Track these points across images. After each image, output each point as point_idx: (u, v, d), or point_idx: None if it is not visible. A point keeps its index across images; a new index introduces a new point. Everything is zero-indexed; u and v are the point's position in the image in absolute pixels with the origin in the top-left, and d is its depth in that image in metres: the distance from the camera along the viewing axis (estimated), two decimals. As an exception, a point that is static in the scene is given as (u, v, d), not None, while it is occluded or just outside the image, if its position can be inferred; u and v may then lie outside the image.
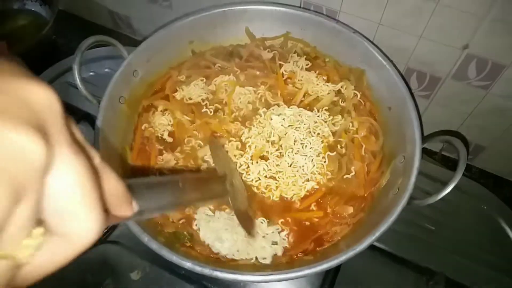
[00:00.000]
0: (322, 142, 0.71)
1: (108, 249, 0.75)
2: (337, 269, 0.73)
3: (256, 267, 0.62)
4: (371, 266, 0.75)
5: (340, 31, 0.75)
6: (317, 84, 0.76)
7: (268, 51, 0.79)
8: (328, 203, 0.67)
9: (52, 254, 0.22)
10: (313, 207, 0.68)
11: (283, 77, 0.78)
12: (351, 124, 0.74)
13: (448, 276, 0.72)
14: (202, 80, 0.77)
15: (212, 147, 0.69)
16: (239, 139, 0.72)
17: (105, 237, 0.76)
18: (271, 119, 0.72)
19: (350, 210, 0.66)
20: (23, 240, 0.20)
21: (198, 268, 0.54)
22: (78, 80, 0.64)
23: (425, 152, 0.92)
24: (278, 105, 0.74)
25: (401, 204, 0.58)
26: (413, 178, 0.60)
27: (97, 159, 0.25)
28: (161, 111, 0.75)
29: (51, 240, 0.22)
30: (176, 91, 0.77)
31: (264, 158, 0.71)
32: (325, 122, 0.73)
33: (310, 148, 0.70)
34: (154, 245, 0.55)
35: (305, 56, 0.79)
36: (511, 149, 0.83)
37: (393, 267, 0.75)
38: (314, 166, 0.69)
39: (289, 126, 0.72)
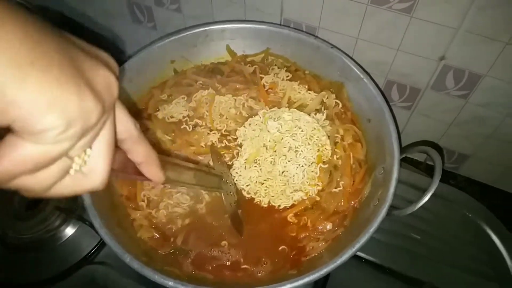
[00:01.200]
0: (318, 151, 0.71)
1: (95, 270, 0.75)
2: (325, 281, 0.73)
3: (242, 283, 0.62)
4: (359, 278, 0.75)
5: (318, 46, 0.76)
6: (299, 92, 0.77)
7: (249, 66, 0.80)
8: (309, 217, 0.68)
9: (74, 181, 0.30)
10: (290, 218, 0.68)
11: (264, 88, 0.78)
12: (337, 131, 0.74)
13: (436, 286, 0.72)
14: (183, 98, 0.77)
15: (213, 153, 0.71)
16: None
17: (92, 258, 0.76)
18: (268, 124, 0.72)
19: (329, 226, 0.66)
20: (80, 155, 0.29)
21: (180, 287, 0.54)
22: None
23: (410, 162, 0.93)
24: (278, 107, 0.75)
25: (380, 215, 0.58)
26: (391, 189, 0.60)
27: (136, 130, 0.36)
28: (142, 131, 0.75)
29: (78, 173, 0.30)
30: (158, 110, 0.77)
31: (256, 162, 0.71)
32: (323, 128, 0.73)
33: (304, 157, 0.70)
34: (136, 265, 0.55)
35: (285, 68, 0.80)
36: (495, 156, 0.84)
37: (381, 278, 0.75)
38: (304, 176, 0.69)
39: (286, 131, 0.71)
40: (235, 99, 0.76)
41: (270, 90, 0.78)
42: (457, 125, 0.81)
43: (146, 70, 0.78)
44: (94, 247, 0.76)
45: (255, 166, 0.71)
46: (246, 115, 0.75)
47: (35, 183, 0.27)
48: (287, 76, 0.79)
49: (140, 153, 0.38)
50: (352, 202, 0.69)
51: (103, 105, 0.27)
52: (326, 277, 0.74)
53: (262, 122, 0.73)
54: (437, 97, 0.77)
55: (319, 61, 0.78)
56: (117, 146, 0.35)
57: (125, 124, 0.34)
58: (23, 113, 0.23)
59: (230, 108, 0.75)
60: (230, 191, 0.69)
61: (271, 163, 0.70)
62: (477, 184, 0.91)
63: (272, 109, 0.74)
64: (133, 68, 0.75)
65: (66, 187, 0.30)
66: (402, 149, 0.65)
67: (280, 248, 0.66)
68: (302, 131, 0.71)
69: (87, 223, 0.75)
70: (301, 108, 0.76)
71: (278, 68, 0.80)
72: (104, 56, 0.30)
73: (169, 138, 0.74)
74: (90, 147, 0.29)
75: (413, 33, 0.69)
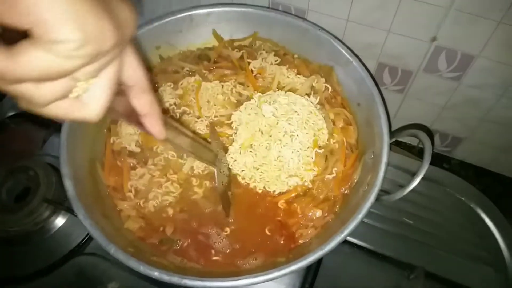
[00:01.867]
0: (314, 135, 0.70)
1: (85, 260, 0.74)
2: (316, 268, 0.73)
3: (231, 272, 0.62)
4: (351, 264, 0.75)
5: (306, 29, 0.74)
6: (288, 77, 0.75)
7: (237, 51, 0.78)
8: (298, 204, 0.67)
9: (71, 105, 0.31)
10: (281, 205, 0.68)
11: (252, 73, 0.77)
12: (327, 115, 0.73)
13: (428, 270, 0.72)
14: (169, 86, 0.76)
15: (212, 131, 0.71)
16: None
17: (82, 249, 0.75)
18: (263, 108, 0.70)
19: (319, 213, 0.66)
20: (84, 80, 0.30)
21: (166, 277, 0.53)
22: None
23: (403, 146, 0.92)
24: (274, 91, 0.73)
25: (369, 201, 0.57)
26: (381, 174, 0.59)
27: (145, 79, 0.37)
28: None
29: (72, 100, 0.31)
30: None
31: (252, 147, 0.70)
32: (319, 112, 0.71)
33: (299, 142, 0.68)
34: (121, 256, 0.54)
35: (273, 52, 0.78)
36: (489, 139, 0.83)
37: (374, 263, 0.75)
38: (300, 161, 0.68)
39: (281, 115, 0.70)
40: (223, 85, 0.74)
41: (258, 75, 0.76)
42: (450, 107, 0.80)
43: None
44: (84, 238, 0.75)
45: (250, 151, 0.69)
46: (235, 101, 0.73)
47: (36, 93, 0.28)
48: (276, 61, 0.77)
49: (146, 103, 0.39)
50: (343, 188, 0.68)
51: (120, 34, 0.28)
52: (318, 263, 0.73)
53: (257, 106, 0.71)
54: (430, 80, 0.76)
55: (307, 44, 0.76)
56: (124, 93, 0.37)
57: (136, 70, 0.36)
58: (45, 18, 0.24)
59: (217, 94, 0.73)
60: (223, 170, 0.69)
61: (266, 148, 0.69)
62: (471, 167, 0.91)
63: (268, 93, 0.73)
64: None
65: (62, 109, 0.31)
66: (392, 133, 0.64)
67: (269, 235, 0.66)
68: (298, 115, 0.70)
69: (75, 214, 0.74)
70: (292, 91, 0.74)
71: (266, 52, 0.78)
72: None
73: None
74: (95, 77, 0.31)
75: (404, 13, 0.67)
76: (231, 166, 0.70)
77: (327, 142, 0.71)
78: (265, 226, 0.67)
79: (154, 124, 0.41)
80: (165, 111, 0.74)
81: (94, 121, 0.33)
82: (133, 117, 0.40)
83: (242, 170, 0.70)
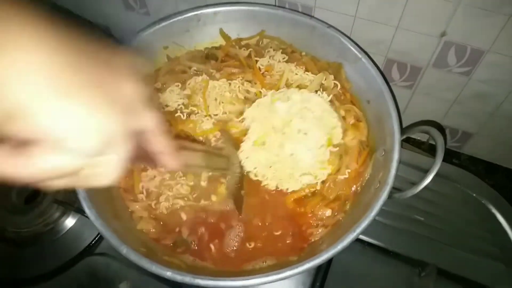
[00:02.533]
0: (328, 133, 0.69)
1: (96, 261, 0.74)
2: (328, 266, 0.73)
3: (244, 272, 0.62)
4: (362, 262, 0.74)
5: (314, 26, 0.74)
6: (297, 74, 0.75)
7: (244, 50, 0.78)
8: (308, 204, 0.66)
9: (84, 178, 0.31)
10: (290, 204, 0.68)
11: (260, 71, 0.76)
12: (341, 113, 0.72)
13: (440, 267, 0.71)
14: (177, 86, 0.75)
15: (224, 134, 0.71)
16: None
17: (92, 250, 0.75)
18: (276, 105, 0.70)
19: (328, 212, 0.65)
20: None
21: (178, 277, 0.53)
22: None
23: (413, 142, 0.91)
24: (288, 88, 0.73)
25: (381, 198, 0.57)
26: (393, 171, 0.59)
27: (157, 123, 0.36)
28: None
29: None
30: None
31: (265, 145, 0.69)
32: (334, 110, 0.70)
33: (313, 140, 0.68)
34: (133, 256, 0.54)
35: (281, 50, 0.78)
36: (499, 134, 0.82)
37: (385, 261, 0.74)
38: (314, 159, 0.68)
39: (295, 113, 0.69)
40: (230, 83, 0.74)
41: (266, 73, 0.76)
42: (460, 103, 0.79)
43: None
44: (94, 239, 0.76)
45: (263, 149, 0.69)
46: (243, 97, 0.73)
47: (50, 184, 0.29)
48: (283, 58, 0.76)
49: (159, 144, 0.38)
50: (354, 187, 0.67)
51: (127, 120, 0.30)
52: (329, 262, 0.73)
53: (270, 103, 0.71)
54: (439, 75, 0.75)
55: (315, 42, 0.76)
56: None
57: (146, 118, 0.35)
58: (54, 135, 0.26)
59: (224, 92, 0.73)
60: (236, 171, 0.68)
61: (279, 145, 0.68)
62: (481, 163, 0.90)
63: (281, 90, 0.72)
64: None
65: (74, 183, 0.31)
66: (403, 130, 0.63)
67: (279, 235, 0.65)
68: (312, 112, 0.69)
69: (85, 214, 0.74)
70: (301, 87, 0.74)
71: (274, 50, 0.78)
72: (130, 61, 0.32)
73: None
74: (107, 154, 0.31)
75: (412, 9, 0.66)
76: (244, 163, 0.69)
77: (341, 141, 0.70)
78: (275, 225, 0.66)
79: (169, 159, 0.41)
80: (174, 111, 0.74)
81: (109, 185, 0.33)
82: (143, 158, 0.40)
83: (255, 168, 0.69)
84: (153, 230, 0.66)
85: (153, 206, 0.67)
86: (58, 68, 0.25)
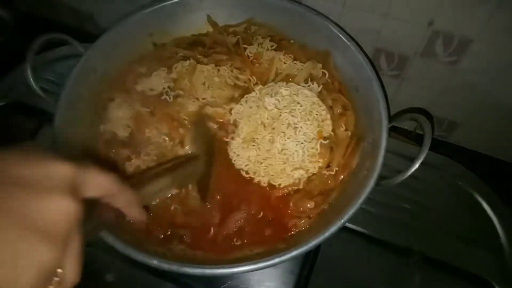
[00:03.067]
0: (318, 126, 0.69)
1: (83, 253, 0.73)
2: (315, 254, 0.73)
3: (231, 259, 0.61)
4: (349, 250, 0.75)
5: (303, 14, 0.73)
6: (285, 63, 0.74)
7: (232, 37, 0.77)
8: (290, 199, 0.66)
9: None
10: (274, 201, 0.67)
11: (248, 58, 0.76)
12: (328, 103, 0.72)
13: (426, 254, 0.72)
14: (163, 70, 0.74)
15: (197, 126, 0.70)
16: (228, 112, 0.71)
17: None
18: (265, 100, 0.69)
19: (311, 204, 0.65)
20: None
21: (165, 266, 0.53)
22: (31, 80, 0.62)
23: (400, 131, 0.91)
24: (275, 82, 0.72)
25: (369, 186, 0.57)
26: (380, 159, 0.59)
27: (115, 186, 0.35)
28: (117, 104, 0.72)
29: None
30: (137, 83, 0.74)
31: (254, 141, 0.69)
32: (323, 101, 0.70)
33: (303, 133, 0.68)
34: (119, 245, 0.53)
35: (269, 38, 0.77)
36: (485, 124, 0.83)
37: (372, 249, 0.75)
38: (305, 153, 0.67)
39: (284, 107, 0.69)
40: (219, 69, 0.73)
41: (254, 60, 0.75)
42: (447, 92, 0.79)
43: (122, 44, 0.74)
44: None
45: (253, 145, 0.69)
46: (232, 84, 0.72)
47: None
48: (272, 46, 0.76)
49: (122, 201, 0.38)
50: (341, 177, 0.67)
51: (58, 240, 0.27)
52: (317, 249, 0.73)
53: (258, 98, 0.71)
54: (426, 65, 0.75)
55: (304, 29, 0.75)
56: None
57: (103, 186, 0.34)
58: None
59: (213, 77, 0.72)
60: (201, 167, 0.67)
61: (269, 141, 0.68)
62: (467, 152, 0.90)
63: (269, 85, 0.72)
64: (109, 42, 0.72)
65: None
66: (391, 118, 0.63)
67: (260, 226, 0.65)
68: (301, 106, 0.69)
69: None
70: (287, 79, 0.73)
71: (262, 38, 0.77)
72: (53, 172, 0.28)
73: (148, 110, 0.70)
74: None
75: (400, -3, 0.66)
76: (234, 161, 0.69)
77: (331, 133, 0.70)
78: (259, 216, 0.66)
79: (134, 212, 0.41)
80: (159, 94, 0.73)
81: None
82: (108, 215, 0.40)
83: (246, 165, 0.69)
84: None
85: None
86: None
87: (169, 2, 0.75)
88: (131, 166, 0.68)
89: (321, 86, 0.72)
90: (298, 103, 0.69)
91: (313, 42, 0.76)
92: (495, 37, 0.65)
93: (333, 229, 0.54)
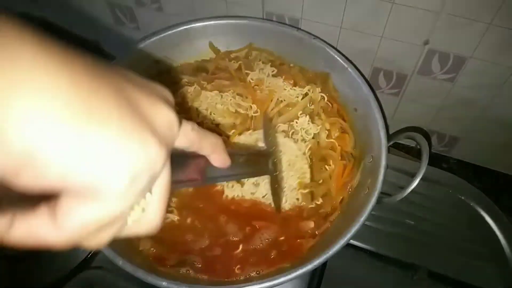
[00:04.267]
0: (298, 178, 0.71)
1: (92, 274, 0.75)
2: (321, 272, 0.74)
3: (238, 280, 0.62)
4: (355, 267, 0.76)
5: (301, 38, 0.75)
6: (285, 89, 0.76)
7: (234, 62, 0.79)
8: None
9: (128, 228, 0.26)
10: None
11: (250, 84, 0.78)
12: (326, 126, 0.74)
13: (431, 269, 0.72)
14: (168, 95, 0.76)
15: (265, 123, 0.70)
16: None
17: (89, 263, 0.76)
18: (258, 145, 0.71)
19: (311, 224, 0.66)
20: (139, 203, 0.25)
21: (174, 287, 0.54)
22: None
23: (402, 148, 0.93)
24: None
25: (370, 203, 0.58)
26: (380, 177, 0.60)
27: (195, 132, 0.33)
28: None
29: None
30: None
31: (240, 183, 0.70)
32: (304, 154, 0.72)
33: (286, 182, 0.70)
34: (129, 268, 0.55)
35: (270, 63, 0.79)
36: (485, 137, 0.84)
37: (378, 265, 0.76)
38: (286, 201, 0.69)
39: None
40: (222, 95, 0.75)
41: (256, 86, 0.77)
42: (446, 108, 0.81)
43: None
44: (91, 252, 0.76)
45: (239, 185, 0.70)
46: (233, 111, 0.74)
47: (91, 243, 0.24)
48: (273, 71, 0.78)
49: (207, 147, 0.36)
50: (340, 197, 0.69)
51: (166, 148, 0.25)
52: (323, 267, 0.74)
53: (252, 143, 0.72)
54: (424, 82, 0.77)
55: (303, 53, 0.77)
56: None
57: (184, 134, 0.32)
58: (83, 180, 0.20)
59: (216, 104, 0.74)
60: (277, 171, 0.67)
61: (254, 184, 0.70)
62: (469, 166, 0.92)
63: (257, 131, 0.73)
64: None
65: (120, 235, 0.26)
66: (390, 136, 0.65)
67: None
68: (286, 156, 0.71)
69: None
70: (288, 108, 0.75)
71: (263, 63, 0.79)
72: (160, 90, 0.28)
73: None
74: (150, 191, 0.26)
75: (395, 19, 0.68)
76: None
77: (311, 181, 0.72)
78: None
79: (221, 157, 0.38)
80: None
81: (156, 231, 0.29)
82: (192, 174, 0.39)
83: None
84: (153, 249, 0.65)
85: None
86: (74, 89, 0.19)
87: (173, 31, 0.78)
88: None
89: (308, 146, 0.73)
90: (284, 153, 0.71)
91: (312, 65, 0.78)
92: (488, 54, 0.67)
93: (336, 247, 0.56)
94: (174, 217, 0.68)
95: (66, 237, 0.22)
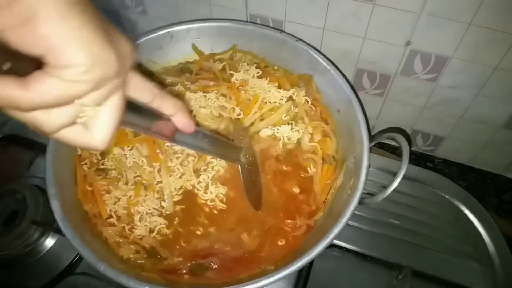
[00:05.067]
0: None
1: (76, 280, 0.74)
2: (307, 274, 0.74)
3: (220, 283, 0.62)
4: (341, 267, 0.76)
5: (284, 40, 0.76)
6: (269, 91, 0.76)
7: (218, 63, 0.79)
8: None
9: (79, 132, 0.34)
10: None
11: (235, 85, 0.77)
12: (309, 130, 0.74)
13: (416, 268, 0.73)
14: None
15: (236, 128, 0.72)
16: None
17: (73, 269, 0.75)
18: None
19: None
20: (90, 107, 0.32)
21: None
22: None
23: (387, 148, 0.93)
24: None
25: (352, 204, 0.59)
26: (362, 178, 0.61)
27: (157, 88, 0.40)
28: None
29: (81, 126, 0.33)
30: None
31: (222, 182, 0.70)
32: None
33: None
34: (111, 273, 0.54)
35: (255, 65, 0.79)
36: (468, 136, 0.85)
37: (363, 265, 0.76)
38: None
39: None
40: (206, 96, 0.74)
41: (240, 87, 0.77)
42: (430, 108, 0.82)
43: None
44: (74, 258, 0.75)
45: (222, 186, 0.70)
46: (217, 114, 0.74)
47: (46, 120, 0.30)
48: (258, 73, 0.77)
49: (170, 105, 0.42)
50: (323, 198, 0.69)
51: (121, 63, 0.31)
52: (309, 269, 0.74)
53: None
54: (407, 82, 0.78)
55: (286, 55, 0.78)
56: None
57: (146, 87, 0.39)
58: (57, 45, 0.27)
59: (200, 107, 0.73)
60: (249, 164, 0.70)
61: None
62: (454, 165, 0.92)
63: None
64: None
65: (70, 135, 0.33)
66: (372, 137, 0.65)
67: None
68: None
69: (64, 234, 0.74)
70: (271, 112, 0.75)
71: (248, 64, 0.79)
72: (126, 36, 0.34)
73: (132, 130, 0.70)
74: (100, 106, 0.33)
75: (377, 20, 0.69)
76: (201, 195, 0.69)
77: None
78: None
79: (184, 118, 0.44)
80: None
81: (101, 148, 0.35)
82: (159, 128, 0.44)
83: (211, 201, 0.70)
84: (141, 260, 0.65)
85: (127, 231, 0.66)
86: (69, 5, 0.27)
87: (157, 34, 0.78)
88: (110, 199, 0.68)
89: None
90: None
91: (296, 66, 0.79)
92: (469, 54, 0.68)
93: (319, 248, 0.56)
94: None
95: (31, 99, 0.28)
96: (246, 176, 0.69)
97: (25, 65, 0.28)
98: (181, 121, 0.43)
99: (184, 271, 0.64)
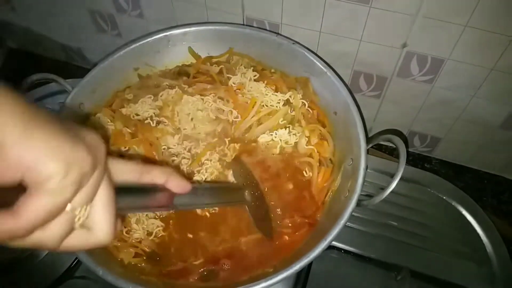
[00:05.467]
0: None
1: (76, 284, 0.74)
2: (306, 276, 0.74)
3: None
4: (340, 269, 0.76)
5: (280, 43, 0.76)
6: (266, 94, 0.76)
7: (215, 66, 0.79)
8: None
9: (81, 236, 0.34)
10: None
11: (232, 88, 0.77)
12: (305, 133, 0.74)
13: (414, 269, 0.73)
14: (149, 97, 0.75)
15: (236, 166, 0.71)
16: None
17: (72, 273, 0.75)
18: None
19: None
20: (81, 209, 0.32)
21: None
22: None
23: (385, 150, 0.94)
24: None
25: (350, 206, 0.59)
26: (360, 180, 0.61)
27: (140, 165, 0.41)
28: (99, 118, 0.73)
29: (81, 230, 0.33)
30: (123, 107, 0.75)
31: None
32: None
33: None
34: (109, 277, 0.54)
35: (252, 68, 0.79)
36: (466, 137, 0.85)
37: (362, 267, 0.76)
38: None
39: None
40: (203, 99, 0.74)
41: (237, 90, 0.77)
42: (427, 109, 0.82)
43: (109, 80, 0.77)
44: (73, 262, 0.75)
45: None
46: (214, 117, 0.74)
47: (46, 236, 0.31)
48: (255, 76, 0.77)
49: (159, 174, 0.42)
50: (321, 200, 0.69)
51: (93, 156, 0.32)
52: (308, 271, 0.74)
53: (227, 148, 0.73)
54: (404, 84, 0.78)
55: (283, 58, 0.78)
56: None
57: (129, 168, 0.40)
58: (30, 164, 0.28)
59: (197, 110, 0.73)
60: (255, 201, 0.66)
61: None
62: (451, 166, 0.93)
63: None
64: (96, 79, 0.74)
65: (74, 242, 0.33)
66: (369, 139, 0.66)
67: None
68: None
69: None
70: (268, 116, 0.74)
71: (245, 67, 0.79)
72: (90, 131, 0.34)
73: (130, 131, 0.71)
74: (91, 203, 0.33)
75: (373, 22, 0.69)
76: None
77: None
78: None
79: (177, 182, 0.44)
80: (143, 119, 0.74)
81: (110, 240, 0.35)
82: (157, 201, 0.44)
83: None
84: (141, 264, 0.65)
85: (125, 234, 0.65)
86: (22, 108, 0.28)
87: (154, 38, 0.78)
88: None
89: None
90: None
91: (292, 69, 0.79)
92: (465, 56, 0.68)
93: (317, 250, 0.56)
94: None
95: (25, 223, 0.28)
96: (255, 214, 0.66)
97: (9, 194, 0.28)
98: (175, 185, 0.44)
99: (196, 278, 0.64)
